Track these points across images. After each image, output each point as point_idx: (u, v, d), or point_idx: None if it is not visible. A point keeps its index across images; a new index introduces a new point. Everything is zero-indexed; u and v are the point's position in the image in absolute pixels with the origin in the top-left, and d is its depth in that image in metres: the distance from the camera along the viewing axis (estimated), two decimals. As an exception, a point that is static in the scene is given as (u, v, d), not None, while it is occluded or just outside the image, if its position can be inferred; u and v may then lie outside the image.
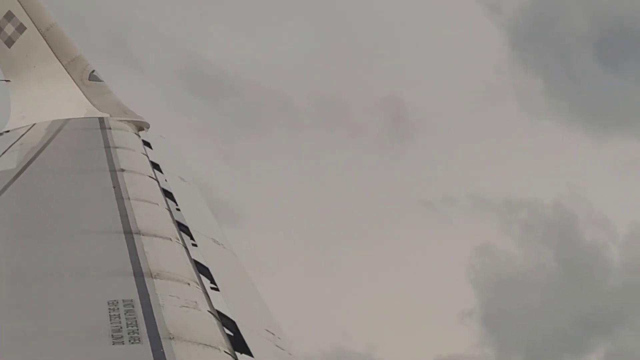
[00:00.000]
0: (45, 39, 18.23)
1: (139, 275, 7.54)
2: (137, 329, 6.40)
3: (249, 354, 6.65)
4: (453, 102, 37.86)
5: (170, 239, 8.94)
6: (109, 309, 6.72)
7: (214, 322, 7.00)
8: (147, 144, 14.33)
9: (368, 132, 36.31)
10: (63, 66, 18.31)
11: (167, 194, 11.01)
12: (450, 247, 32.93)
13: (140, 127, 16.26)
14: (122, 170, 11.54)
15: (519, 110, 37.58)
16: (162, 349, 6.09)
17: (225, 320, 7.17)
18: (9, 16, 18.13)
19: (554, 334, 30.43)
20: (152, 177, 11.67)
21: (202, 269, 8.35)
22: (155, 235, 8.84)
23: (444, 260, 32.52)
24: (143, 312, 6.72)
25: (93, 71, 18.34)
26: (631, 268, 31.27)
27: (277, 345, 7.31)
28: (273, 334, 7.53)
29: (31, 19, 18.15)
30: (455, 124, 36.56)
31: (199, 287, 7.74)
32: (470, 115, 37.45)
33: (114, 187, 10.62)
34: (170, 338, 6.27)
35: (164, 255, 8.41)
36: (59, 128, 15.62)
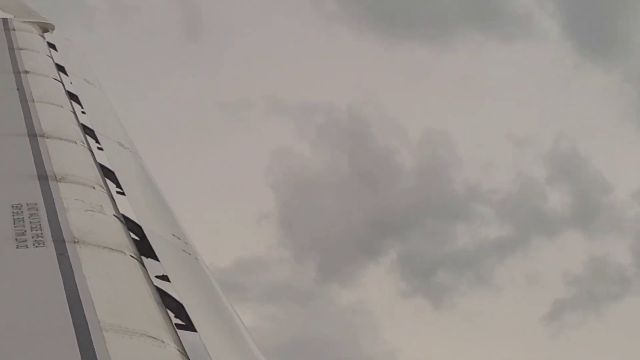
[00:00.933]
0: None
1: (43, 178, 7.44)
2: (42, 233, 6.36)
3: (155, 258, 6.65)
4: (247, 5, 37.53)
5: (76, 142, 8.84)
6: (13, 212, 6.65)
7: (119, 226, 6.99)
8: (52, 46, 14.03)
9: (162, 33, 35.56)
10: (-35, -35, 17.85)
11: (73, 97, 10.80)
12: (248, 149, 32.96)
13: (45, 28, 15.88)
14: (27, 72, 11.30)
15: (313, 15, 37.45)
16: (67, 252, 6.05)
17: (131, 225, 7.16)
18: None
19: (348, 236, 30.80)
20: (57, 80, 11.45)
21: (107, 173, 8.27)
22: (60, 138, 8.72)
23: (242, 163, 32.54)
24: (47, 216, 6.67)
25: (-4, -29, 17.88)
26: (422, 172, 31.53)
27: (183, 250, 7.33)
28: (179, 238, 7.54)
29: None
30: (250, 27, 36.31)
31: (105, 191, 7.69)
32: (264, 18, 37.20)
33: (17, 89, 10.40)
34: (74, 242, 6.24)
35: (69, 158, 8.32)
36: (-39, 28, 15.26)
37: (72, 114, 9.97)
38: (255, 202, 31.43)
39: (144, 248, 6.76)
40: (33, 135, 8.54)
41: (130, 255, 6.43)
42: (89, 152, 8.72)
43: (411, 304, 30.12)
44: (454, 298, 29.12)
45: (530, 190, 29.67)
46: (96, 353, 4.82)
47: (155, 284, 6.19)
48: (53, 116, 9.57)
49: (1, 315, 5.19)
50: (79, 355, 4.77)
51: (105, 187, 7.76)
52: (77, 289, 5.52)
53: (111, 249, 6.39)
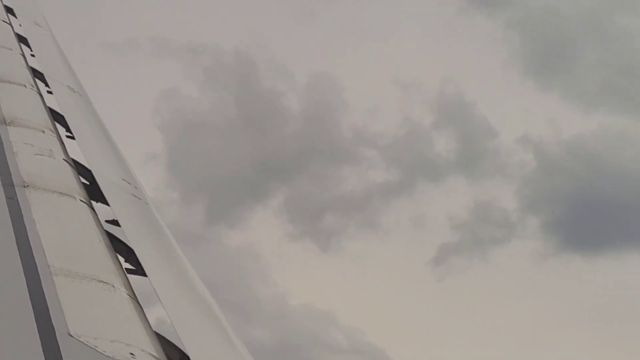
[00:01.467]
0: None
1: None
2: None
3: (105, 202, 6.63)
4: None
5: (25, 86, 8.76)
6: None
7: (69, 171, 6.95)
8: (0, -13, 13.89)
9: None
10: None
11: (22, 40, 10.69)
12: (135, 91, 32.45)
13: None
14: None
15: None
16: (16, 196, 6.01)
17: (81, 169, 7.12)
18: None
19: (236, 179, 30.40)
20: (5, 22, 11.31)
21: (57, 117, 8.20)
22: (9, 82, 8.64)
23: (129, 104, 32.01)
24: None
25: None
26: (309, 116, 31.17)
27: (133, 195, 7.30)
28: (129, 183, 7.51)
29: None
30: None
31: (54, 135, 7.63)
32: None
33: None
34: (24, 186, 6.21)
35: (18, 101, 8.24)
36: None
37: (21, 57, 9.85)
38: (142, 143, 30.96)
39: (94, 192, 6.73)
40: None
41: (80, 200, 6.39)
42: (38, 95, 8.63)
43: (299, 246, 30.01)
44: (341, 241, 29.07)
45: (416, 135, 29.64)
46: (46, 297, 4.79)
47: (106, 228, 6.18)
48: (1, 59, 9.50)
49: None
50: (29, 300, 4.75)
51: (54, 131, 7.69)
52: (27, 233, 5.50)
53: (61, 193, 6.35)
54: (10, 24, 11.28)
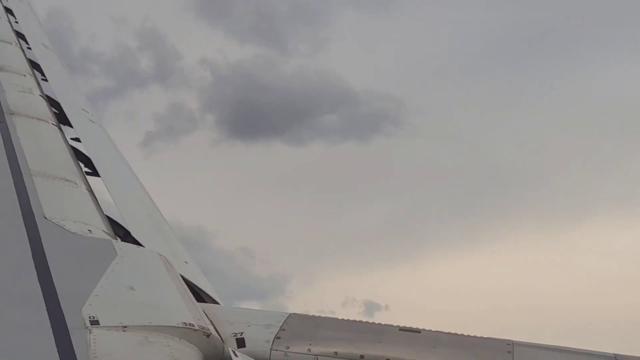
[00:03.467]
0: None
1: None
2: None
3: (70, 125, 6.91)
4: None
5: (11, 43, 9.07)
6: None
7: (44, 103, 7.22)
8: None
9: None
10: None
11: (8, 10, 10.79)
12: None
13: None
14: None
15: None
16: (5, 121, 6.32)
17: (52, 102, 7.37)
18: None
19: None
20: None
21: (35, 66, 8.47)
22: (2, 41, 8.97)
23: None
24: None
25: None
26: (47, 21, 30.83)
27: (90, 120, 7.61)
28: (87, 112, 7.78)
29: None
30: None
31: (33, 78, 7.93)
32: None
33: None
34: (11, 114, 6.51)
35: (7, 54, 8.57)
36: None
37: (8, 24, 10.02)
38: None
39: (62, 118, 6.96)
40: None
41: (52, 124, 6.64)
42: (21, 50, 8.92)
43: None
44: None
45: (126, 55, 29.71)
46: (27, 191, 5.16)
47: (70, 144, 6.47)
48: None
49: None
50: (15, 191, 5.13)
51: (33, 76, 7.94)
52: (14, 147, 5.80)
53: (38, 119, 6.63)
54: None
